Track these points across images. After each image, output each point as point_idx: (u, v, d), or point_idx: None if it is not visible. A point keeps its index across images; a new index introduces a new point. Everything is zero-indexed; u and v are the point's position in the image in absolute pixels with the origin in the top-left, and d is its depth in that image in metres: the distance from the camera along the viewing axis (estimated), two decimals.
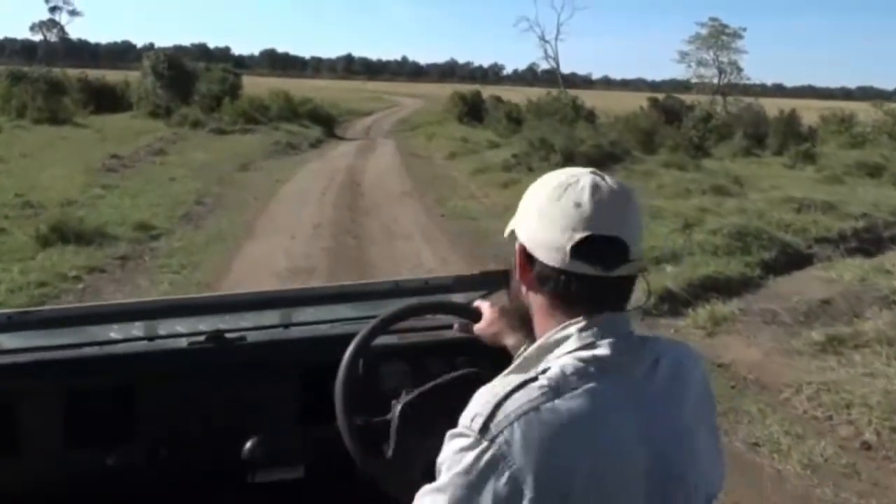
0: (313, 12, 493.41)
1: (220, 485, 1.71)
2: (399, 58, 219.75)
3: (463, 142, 21.67)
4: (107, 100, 27.42)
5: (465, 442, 0.92)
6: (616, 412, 0.94)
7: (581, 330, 0.99)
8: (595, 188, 1.00)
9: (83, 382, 1.67)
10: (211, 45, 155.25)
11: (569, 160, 14.62)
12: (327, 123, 30.25)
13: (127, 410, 1.67)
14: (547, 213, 1.01)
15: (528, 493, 0.88)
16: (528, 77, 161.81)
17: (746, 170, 16.59)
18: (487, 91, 32.52)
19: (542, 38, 35.97)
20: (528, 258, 1.04)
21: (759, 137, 21.12)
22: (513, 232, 1.10)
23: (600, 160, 14.62)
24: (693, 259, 8.16)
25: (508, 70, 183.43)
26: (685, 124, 20.12)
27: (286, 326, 1.99)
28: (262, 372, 1.75)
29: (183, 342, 1.79)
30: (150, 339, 1.84)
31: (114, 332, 1.86)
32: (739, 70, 27.02)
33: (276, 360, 1.79)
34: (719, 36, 26.91)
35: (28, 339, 1.75)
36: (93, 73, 31.55)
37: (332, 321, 2.00)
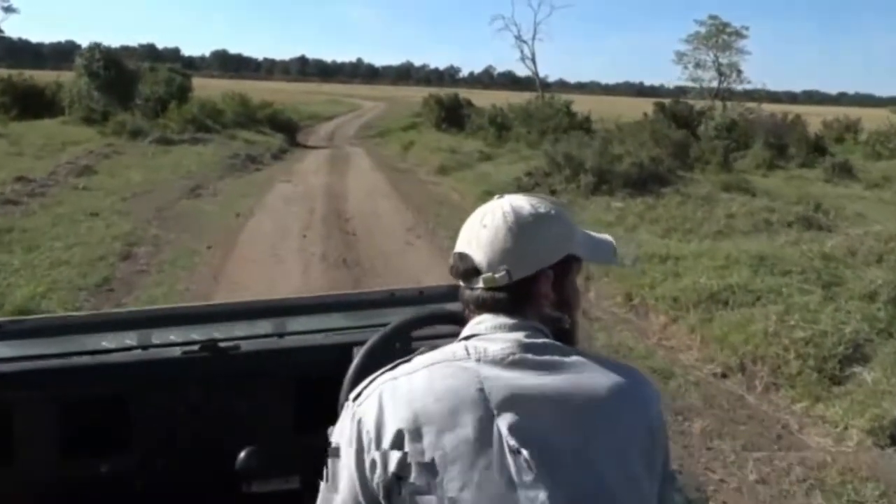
0: (266, 13, 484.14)
1: (215, 495, 1.66)
2: (354, 59, 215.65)
3: (450, 153, 18.55)
4: (34, 103, 23.48)
5: (344, 411, 1.07)
6: (460, 388, 0.99)
7: (474, 324, 1.09)
8: (476, 213, 1.13)
9: (77, 391, 1.65)
10: (160, 46, 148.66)
11: (604, 182, 11.66)
12: (289, 130, 26.83)
13: (121, 419, 1.65)
14: None
15: (373, 446, 0.99)
16: (485, 79, 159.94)
17: (792, 187, 13.85)
18: (444, 93, 29.54)
19: (519, 38, 32.93)
20: None
21: (781, 147, 18.53)
22: None
23: (642, 182, 11.70)
24: (886, 350, 5.29)
25: (465, 73, 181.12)
26: (705, 133, 17.46)
27: (280, 336, 1.94)
28: (257, 381, 1.73)
29: (177, 351, 1.75)
30: (144, 347, 1.81)
31: (108, 341, 1.82)
32: (740, 73, 24.71)
33: (271, 369, 1.76)
34: (719, 35, 24.49)
35: (22, 348, 1.73)
36: (28, 74, 27.44)
37: (326, 331, 1.91)
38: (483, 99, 31.21)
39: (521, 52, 33.40)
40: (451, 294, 1.65)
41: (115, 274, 6.58)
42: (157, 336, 1.85)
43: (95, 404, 1.66)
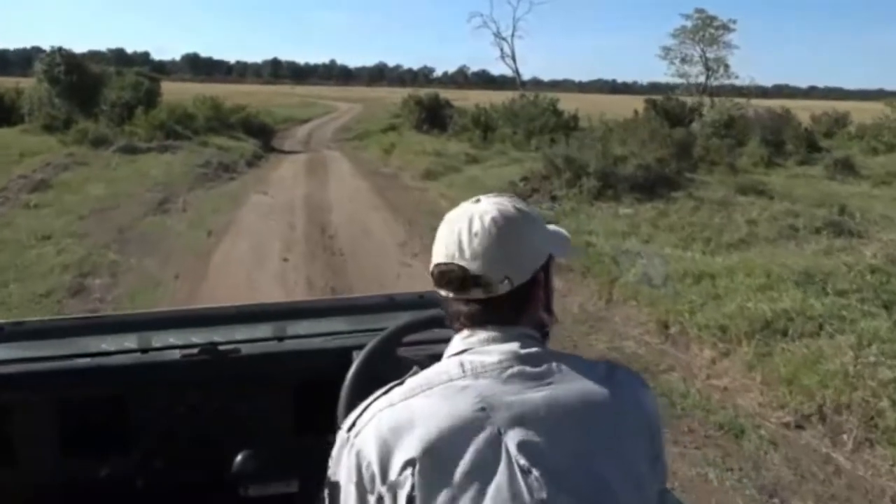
0: (236, 16, 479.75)
1: (214, 497, 1.66)
2: (327, 61, 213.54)
3: (435, 156, 17.55)
4: None
5: (338, 441, 1.01)
6: (463, 409, 0.94)
7: (463, 338, 1.04)
8: (456, 220, 1.06)
9: (77, 394, 1.64)
10: (129, 50, 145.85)
11: (609, 186, 10.73)
12: (263, 134, 25.64)
13: (120, 422, 1.64)
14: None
15: (378, 479, 0.94)
16: (459, 79, 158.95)
17: (803, 188, 13.03)
18: (424, 93, 28.49)
19: (498, 36, 31.99)
20: None
21: (778, 144, 17.77)
22: None
23: (650, 185, 10.79)
24: None
25: (439, 72, 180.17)
26: (701, 131, 16.63)
27: (280, 339, 1.93)
28: (256, 385, 1.71)
29: (177, 354, 1.73)
30: (144, 350, 1.81)
31: (108, 343, 1.81)
32: (727, 68, 23.94)
33: (270, 372, 1.74)
34: (706, 29, 23.71)
35: (22, 350, 1.74)
36: None
37: (326, 334, 1.89)
38: (461, 98, 30.24)
39: (501, 50, 32.45)
40: None
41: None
42: (157, 339, 1.84)
43: (96, 406, 1.65)
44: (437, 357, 1.21)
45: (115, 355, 1.79)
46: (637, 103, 22.25)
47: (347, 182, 14.79)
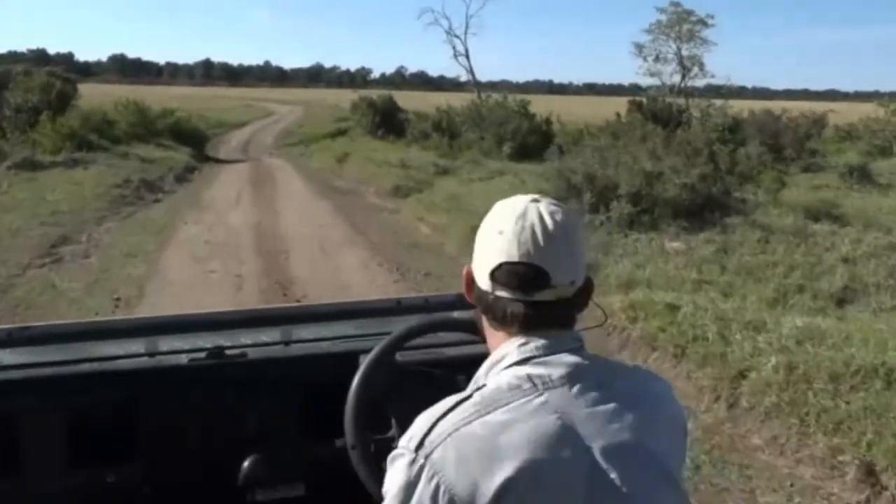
0: (166, 15, 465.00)
1: (221, 502, 1.62)
2: (262, 62, 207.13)
3: (400, 167, 14.95)
4: None
5: (403, 461, 0.91)
6: (547, 426, 0.90)
7: (519, 346, 0.98)
8: (523, 216, 0.99)
9: (84, 399, 1.62)
10: (51, 51, 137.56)
11: (644, 211, 8.37)
12: (196, 141, 22.56)
13: (128, 427, 1.62)
14: (481, 238, 1.03)
15: (444, 497, 0.87)
16: (397, 80, 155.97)
17: (836, 199, 10.98)
18: (376, 96, 25.84)
19: (451, 33, 29.53)
20: (471, 279, 1.05)
21: (778, 149, 15.90)
22: None
23: (697, 210, 8.48)
24: None
25: (376, 74, 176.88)
26: (703, 136, 14.57)
27: (287, 343, 1.92)
28: (263, 389, 1.69)
29: (183, 358, 1.71)
30: (151, 355, 1.79)
31: (115, 348, 1.79)
32: (702, 66, 22.09)
33: (277, 377, 1.71)
34: (682, 24, 21.76)
35: (29, 356, 1.72)
36: None
37: (332, 339, 1.87)
38: (405, 101, 27.63)
39: (454, 48, 29.96)
40: (458, 302, 1.72)
41: None
42: (164, 343, 1.83)
43: (102, 412, 1.62)
44: (444, 362, 1.32)
45: (122, 360, 1.75)
46: (592, 104, 20.18)
47: (302, 202, 12.03)
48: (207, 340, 1.78)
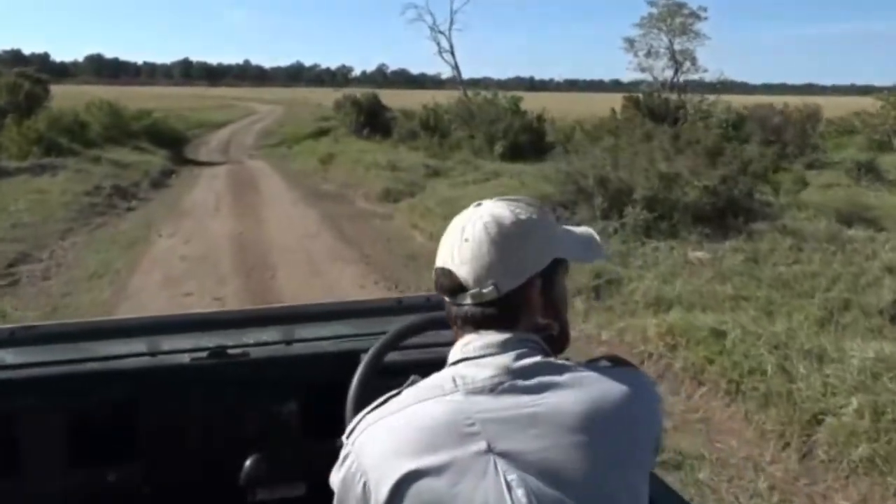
0: (145, 15, 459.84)
1: (222, 502, 1.63)
2: (241, 61, 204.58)
3: (389, 169, 14.15)
4: None
5: (342, 450, 0.98)
6: (454, 426, 0.92)
7: (462, 346, 1.00)
8: (454, 224, 1.03)
9: (85, 399, 1.61)
10: (27, 52, 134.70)
11: (661, 217, 7.65)
12: (174, 143, 21.63)
13: (128, 426, 1.61)
14: None
15: (372, 490, 0.92)
16: (378, 78, 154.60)
17: (853, 197, 10.35)
18: (360, 94, 24.92)
19: (436, 29, 28.69)
20: None
21: (781, 145, 15.30)
22: None
23: (718, 214, 7.79)
24: None
25: (357, 72, 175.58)
26: (705, 132, 13.93)
27: (289, 343, 1.91)
28: (265, 388, 1.68)
29: (185, 358, 1.69)
30: (153, 354, 1.79)
31: (117, 347, 1.78)
32: (694, 61, 21.45)
33: (279, 376, 1.70)
34: (674, 17, 21.09)
35: (31, 355, 1.71)
36: None
37: (334, 338, 1.84)
38: (388, 99, 26.75)
39: (438, 45, 29.13)
40: None
41: None
42: (166, 343, 1.82)
43: (103, 411, 1.61)
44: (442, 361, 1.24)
45: (124, 359, 1.73)
46: (576, 101, 19.45)
47: (287, 209, 11.20)
48: (209, 340, 1.76)
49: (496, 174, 12.98)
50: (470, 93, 21.76)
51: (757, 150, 10.25)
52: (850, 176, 13.45)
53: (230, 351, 1.70)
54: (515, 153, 16.61)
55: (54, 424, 1.57)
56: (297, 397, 1.67)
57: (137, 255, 7.60)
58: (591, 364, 0.99)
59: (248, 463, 1.59)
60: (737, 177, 8.07)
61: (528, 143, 17.20)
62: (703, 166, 7.96)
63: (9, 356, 1.69)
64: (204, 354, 1.68)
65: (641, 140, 11.09)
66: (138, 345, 1.81)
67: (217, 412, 1.64)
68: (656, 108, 16.23)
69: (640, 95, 18.13)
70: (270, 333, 1.89)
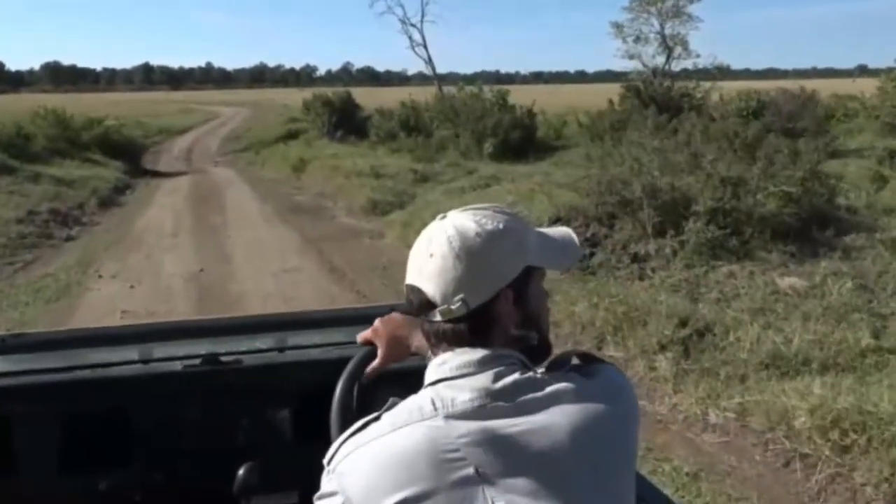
0: (102, 20, 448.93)
1: None
2: (203, 64, 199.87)
3: (373, 177, 12.40)
4: None
5: (323, 475, 0.94)
6: (436, 451, 0.87)
7: (438, 366, 0.94)
8: (420, 240, 0.98)
9: (78, 405, 1.58)
10: None
11: (732, 234, 6.05)
12: (130, 153, 19.55)
13: (121, 434, 1.58)
14: None
15: None
16: (344, 77, 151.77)
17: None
18: (332, 93, 23.07)
19: (407, 22, 26.92)
20: None
21: (796, 133, 13.89)
22: None
23: (802, 228, 6.23)
24: None
25: (322, 71, 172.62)
26: (722, 122, 12.49)
27: (281, 350, 1.86)
28: (258, 396, 1.65)
29: (178, 365, 1.67)
30: (145, 362, 1.75)
31: (109, 355, 1.75)
32: (686, 46, 20.01)
33: (272, 383, 1.68)
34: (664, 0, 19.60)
35: (23, 363, 1.68)
36: None
37: (327, 345, 1.80)
38: (358, 97, 24.94)
39: (410, 38, 27.36)
40: None
41: None
42: (159, 350, 1.78)
43: (96, 418, 1.57)
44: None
45: (116, 367, 1.70)
46: (547, 93, 17.90)
47: (259, 232, 9.40)
48: (202, 347, 1.73)
49: (495, 178, 11.32)
50: (453, 88, 20.08)
51: (806, 144, 8.73)
52: (881, 164, 12.05)
53: (223, 358, 1.66)
54: (506, 152, 15.01)
55: (46, 432, 1.54)
56: (290, 405, 1.64)
57: (64, 311, 5.78)
58: (566, 372, 0.93)
59: (241, 471, 1.53)
60: (812, 179, 6.50)
61: (518, 140, 15.61)
62: (783, 167, 6.39)
63: (1, 364, 1.65)
64: (196, 362, 1.64)
65: (652, 134, 9.52)
66: (131, 352, 1.77)
67: (210, 420, 1.61)
68: (659, 98, 14.71)
69: (640, 84, 16.61)
70: (263, 340, 1.86)
